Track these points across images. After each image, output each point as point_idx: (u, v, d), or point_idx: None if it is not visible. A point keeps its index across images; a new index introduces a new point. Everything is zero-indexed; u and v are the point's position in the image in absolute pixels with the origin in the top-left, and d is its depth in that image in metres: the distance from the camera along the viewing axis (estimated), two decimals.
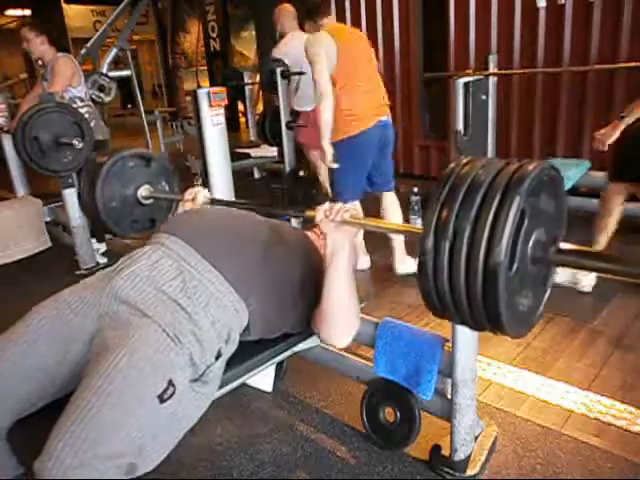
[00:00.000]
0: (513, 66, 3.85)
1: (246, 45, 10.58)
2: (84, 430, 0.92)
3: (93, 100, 3.88)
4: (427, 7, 4.33)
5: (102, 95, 4.82)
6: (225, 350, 1.20)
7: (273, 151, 4.90)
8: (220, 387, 1.24)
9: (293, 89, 3.67)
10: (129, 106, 13.10)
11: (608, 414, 1.61)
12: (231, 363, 1.25)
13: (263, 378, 1.79)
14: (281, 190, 3.80)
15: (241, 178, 4.98)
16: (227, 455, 1.56)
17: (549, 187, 0.90)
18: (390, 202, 2.80)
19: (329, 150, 2.52)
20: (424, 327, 2.14)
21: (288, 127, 3.56)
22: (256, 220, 1.47)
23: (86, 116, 2.91)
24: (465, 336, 1.30)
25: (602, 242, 2.45)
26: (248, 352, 1.33)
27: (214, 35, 9.91)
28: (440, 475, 1.41)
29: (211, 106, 2.39)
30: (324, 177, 3.54)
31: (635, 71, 3.24)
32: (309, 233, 1.56)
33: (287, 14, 3.76)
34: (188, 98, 8.74)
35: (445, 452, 1.44)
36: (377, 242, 2.84)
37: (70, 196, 2.95)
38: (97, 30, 5.38)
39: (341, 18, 4.72)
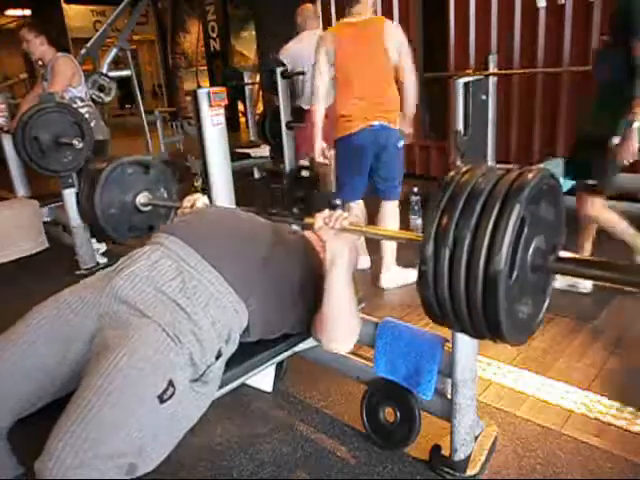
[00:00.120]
0: (513, 66, 3.85)
1: (246, 45, 10.59)
2: (85, 430, 0.92)
3: (93, 100, 3.89)
4: (427, 7, 4.33)
5: (102, 95, 4.83)
6: (225, 350, 1.20)
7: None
8: (220, 387, 1.24)
9: (300, 89, 3.67)
10: (127, 106, 13.11)
11: (608, 414, 1.61)
12: (231, 363, 1.25)
13: (263, 378, 1.79)
14: (281, 190, 3.80)
15: (241, 178, 4.99)
16: (227, 455, 1.56)
17: (548, 195, 0.90)
18: (385, 212, 2.66)
19: (318, 146, 2.66)
20: (424, 327, 2.14)
21: (288, 127, 3.57)
22: (256, 221, 1.47)
23: (86, 116, 2.91)
24: (465, 337, 1.29)
25: (587, 247, 2.42)
26: (248, 352, 1.33)
27: (214, 35, 9.92)
28: (440, 475, 1.41)
29: (211, 106, 2.39)
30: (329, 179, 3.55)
31: None
32: (308, 233, 1.56)
33: (307, 13, 3.75)
34: (188, 98, 8.74)
35: (445, 452, 1.44)
36: (378, 242, 2.84)
37: (70, 196, 2.95)
38: (97, 30, 5.39)
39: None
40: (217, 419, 1.69)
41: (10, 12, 12.38)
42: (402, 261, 2.69)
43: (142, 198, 1.83)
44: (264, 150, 5.31)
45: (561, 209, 0.95)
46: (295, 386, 1.87)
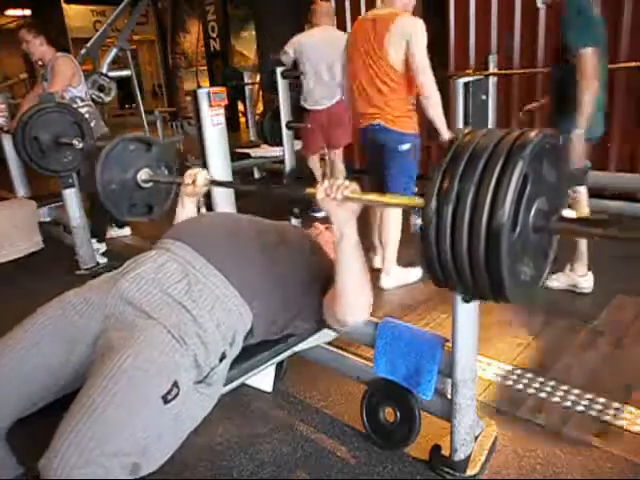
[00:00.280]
0: (513, 66, 3.85)
1: (246, 45, 10.60)
2: (90, 429, 0.93)
3: (93, 100, 3.89)
4: (427, 7, 4.32)
5: (102, 95, 4.84)
6: (229, 352, 1.21)
7: (273, 151, 4.90)
8: None
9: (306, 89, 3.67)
10: (127, 106, 13.10)
11: (608, 414, 1.61)
12: (231, 363, 1.26)
13: (263, 378, 1.79)
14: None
15: (241, 178, 4.99)
16: (227, 455, 1.56)
17: (551, 155, 0.90)
18: (385, 212, 2.58)
19: None
20: (424, 327, 2.14)
21: (288, 127, 3.56)
22: (260, 223, 1.49)
23: (86, 116, 2.91)
24: (465, 336, 1.30)
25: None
26: (248, 352, 1.33)
27: (214, 35, 9.92)
28: (440, 475, 1.41)
29: (211, 106, 2.39)
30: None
31: (635, 71, 3.24)
32: (310, 231, 1.56)
33: (320, 9, 3.74)
34: (188, 98, 8.75)
35: (445, 452, 1.43)
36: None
37: (70, 196, 2.95)
38: (97, 30, 5.40)
39: (341, 18, 4.72)
40: (217, 419, 1.69)
41: (10, 12, 12.38)
42: (402, 261, 2.69)
43: (143, 174, 1.82)
44: (264, 150, 5.30)
45: (563, 171, 0.95)
46: (295, 386, 1.87)
